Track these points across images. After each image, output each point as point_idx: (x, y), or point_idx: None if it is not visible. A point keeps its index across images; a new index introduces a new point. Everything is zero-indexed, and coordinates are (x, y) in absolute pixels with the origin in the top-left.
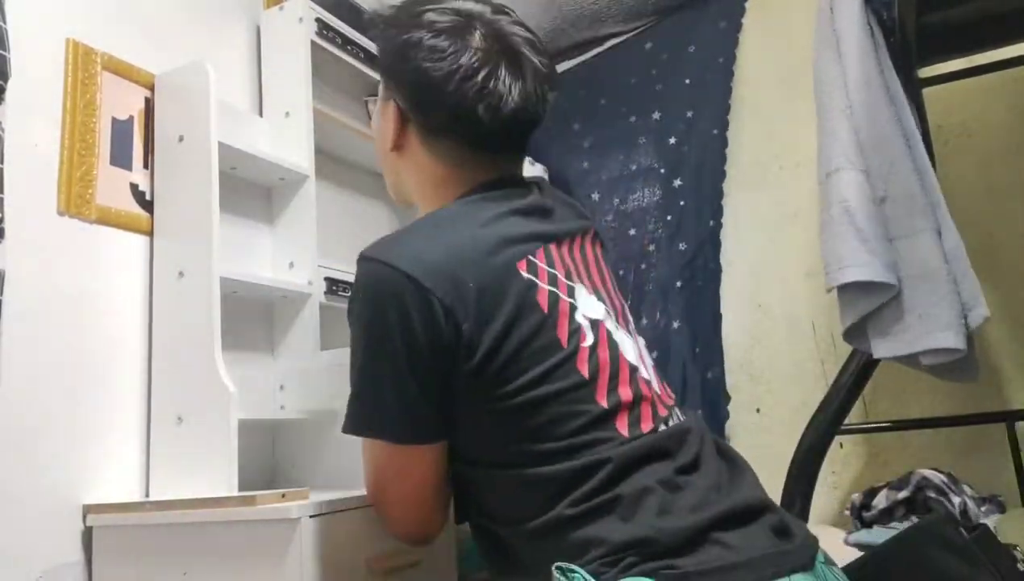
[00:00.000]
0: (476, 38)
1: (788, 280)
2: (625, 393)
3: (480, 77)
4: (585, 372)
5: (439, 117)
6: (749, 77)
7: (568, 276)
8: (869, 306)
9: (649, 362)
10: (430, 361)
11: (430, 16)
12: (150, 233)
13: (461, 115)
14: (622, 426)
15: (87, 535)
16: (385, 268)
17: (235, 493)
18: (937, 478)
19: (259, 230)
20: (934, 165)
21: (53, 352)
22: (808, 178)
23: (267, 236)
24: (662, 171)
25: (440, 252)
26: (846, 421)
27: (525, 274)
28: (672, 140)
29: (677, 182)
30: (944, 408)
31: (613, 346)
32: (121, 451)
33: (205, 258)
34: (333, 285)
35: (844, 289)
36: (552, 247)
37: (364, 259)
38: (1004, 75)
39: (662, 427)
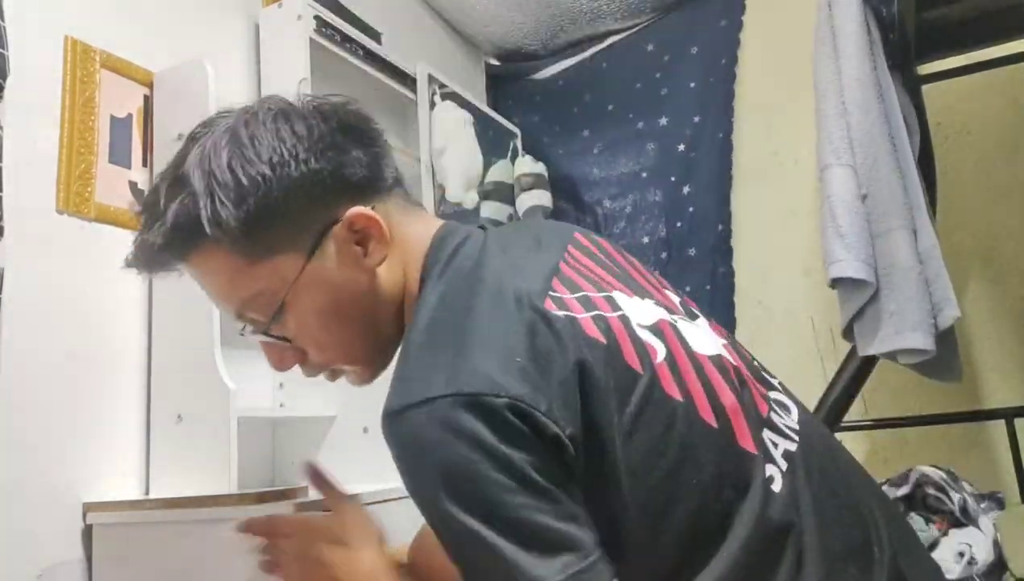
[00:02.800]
0: None
1: (788, 278)
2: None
3: None
4: (677, 394)
5: None
6: (749, 75)
7: (598, 288)
8: (859, 302)
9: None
10: (558, 468)
11: None
12: None
13: None
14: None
15: (87, 533)
16: (431, 406)
17: (235, 491)
18: (937, 475)
19: None
20: (934, 163)
21: (53, 350)
22: (807, 175)
23: None
24: (671, 178)
25: (476, 348)
26: (845, 418)
27: (558, 312)
28: (680, 147)
29: (686, 189)
30: (944, 405)
31: (687, 346)
32: (121, 449)
33: None
34: None
35: (840, 286)
36: (562, 268)
37: (394, 415)
38: (1003, 72)
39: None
